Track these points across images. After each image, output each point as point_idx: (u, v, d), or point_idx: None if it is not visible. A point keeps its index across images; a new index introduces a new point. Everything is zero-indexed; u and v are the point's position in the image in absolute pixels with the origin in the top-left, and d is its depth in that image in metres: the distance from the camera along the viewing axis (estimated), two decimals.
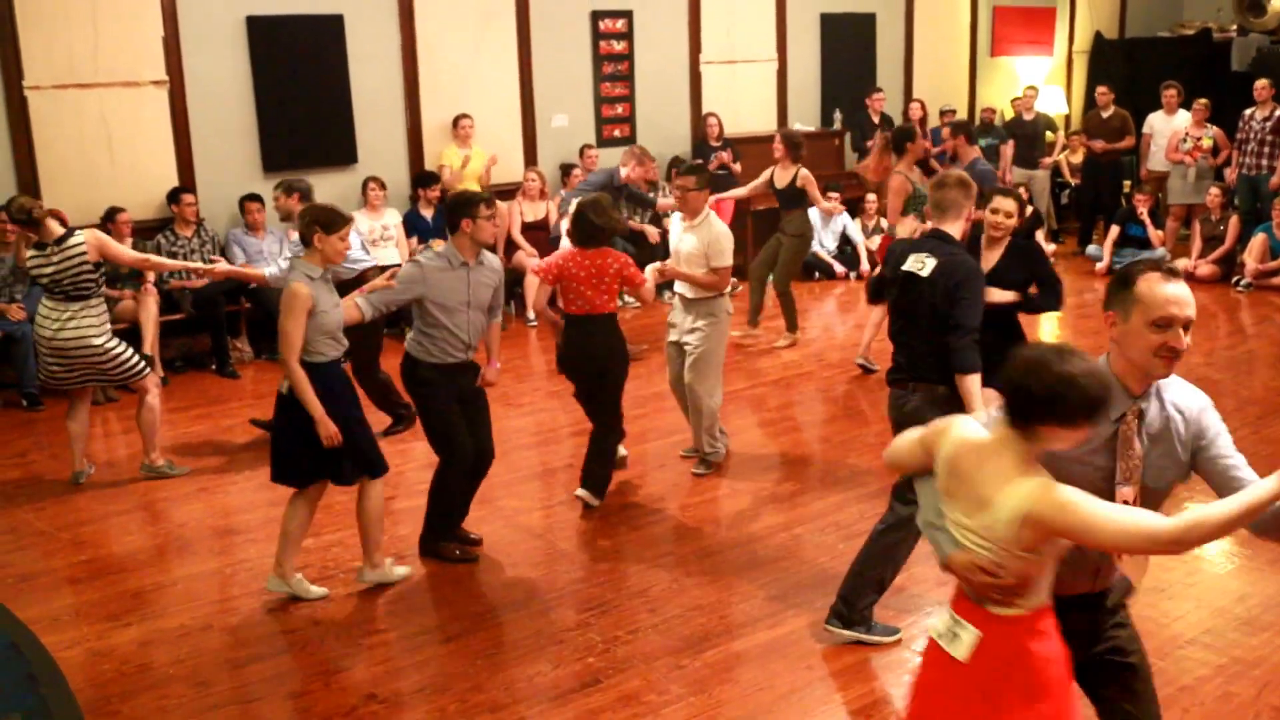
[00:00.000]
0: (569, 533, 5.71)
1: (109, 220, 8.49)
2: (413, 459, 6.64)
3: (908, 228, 7.70)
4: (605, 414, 5.96)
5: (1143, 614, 4.67)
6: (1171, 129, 11.96)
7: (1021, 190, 11.56)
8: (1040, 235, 11.87)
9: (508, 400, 7.77)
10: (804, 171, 8.85)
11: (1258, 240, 10.68)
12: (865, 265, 11.61)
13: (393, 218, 9.72)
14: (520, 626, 4.75)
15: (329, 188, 9.59)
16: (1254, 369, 8.32)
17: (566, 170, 10.64)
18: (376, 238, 9.57)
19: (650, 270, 6.18)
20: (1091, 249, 12.13)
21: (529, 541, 5.59)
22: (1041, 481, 2.53)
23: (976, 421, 2.78)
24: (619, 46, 11.34)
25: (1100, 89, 12.70)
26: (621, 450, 6.35)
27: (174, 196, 8.84)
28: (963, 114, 13.99)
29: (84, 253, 6.19)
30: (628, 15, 11.32)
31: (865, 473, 6.29)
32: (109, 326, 6.41)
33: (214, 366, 8.74)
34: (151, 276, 8.30)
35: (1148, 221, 11.51)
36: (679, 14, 11.72)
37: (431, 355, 5.20)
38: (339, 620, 4.84)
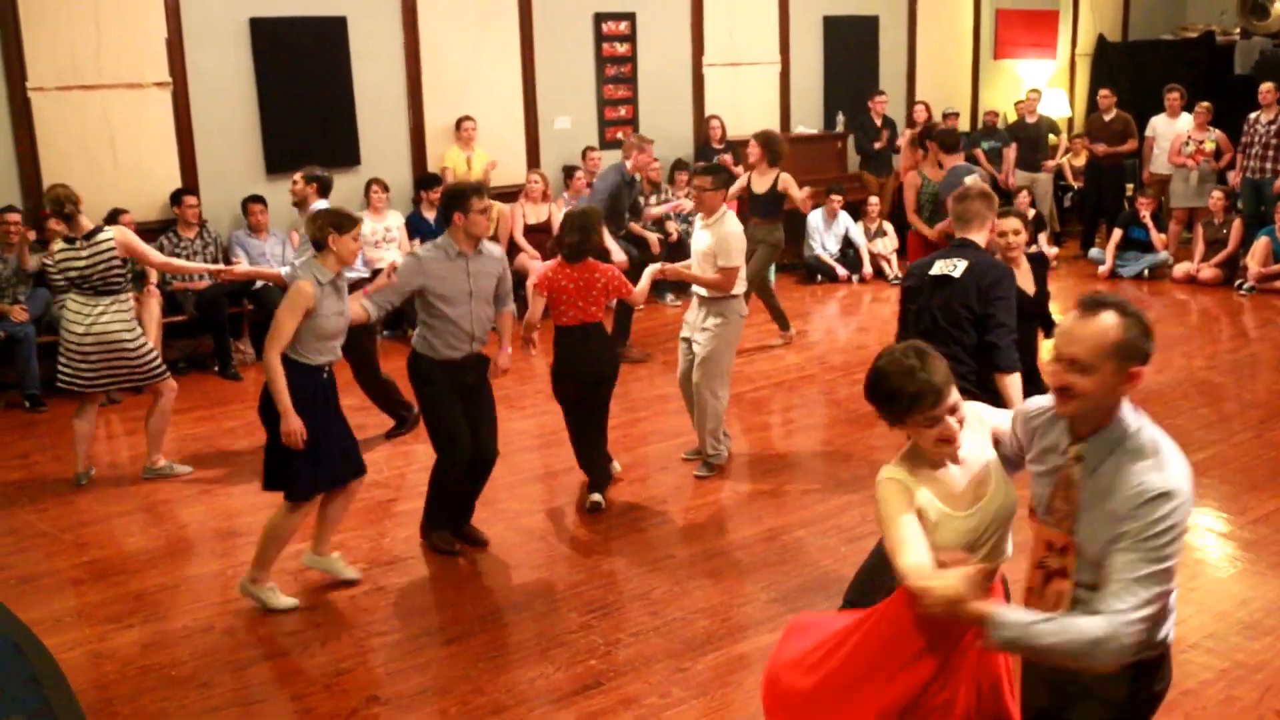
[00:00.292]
0: (571, 535, 5.71)
1: (111, 222, 8.48)
2: (415, 460, 6.64)
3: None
4: (596, 420, 6.03)
5: None
6: (1174, 132, 11.94)
7: (1024, 194, 11.59)
8: (1043, 239, 11.87)
9: (510, 403, 7.78)
10: (785, 175, 8.69)
11: (1261, 243, 10.67)
12: (868, 268, 11.61)
13: (395, 219, 9.73)
14: (522, 629, 4.75)
15: (332, 189, 9.59)
16: (1257, 372, 8.31)
17: (569, 172, 10.64)
18: (379, 239, 9.57)
19: (648, 272, 6.19)
20: (1094, 252, 12.12)
21: (531, 544, 5.59)
22: (887, 468, 2.85)
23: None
24: (621, 48, 11.35)
25: (1102, 92, 12.70)
26: (616, 466, 6.38)
27: (176, 198, 8.85)
28: (966, 117, 13.99)
29: (113, 248, 6.24)
30: (630, 17, 11.32)
31: (868, 476, 6.28)
32: (137, 324, 6.44)
33: (216, 368, 8.75)
34: (154, 277, 8.30)
35: (1150, 225, 11.50)
36: (681, 16, 11.72)
37: (436, 350, 5.22)
38: (341, 622, 4.85)
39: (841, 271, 11.56)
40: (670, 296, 10.61)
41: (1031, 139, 12.77)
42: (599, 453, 6.04)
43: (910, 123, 12.88)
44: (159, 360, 6.46)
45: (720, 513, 5.94)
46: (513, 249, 10.22)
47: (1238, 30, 14.50)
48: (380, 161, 9.92)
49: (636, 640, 4.61)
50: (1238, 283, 10.79)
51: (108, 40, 8.68)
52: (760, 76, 12.43)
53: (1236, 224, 11.07)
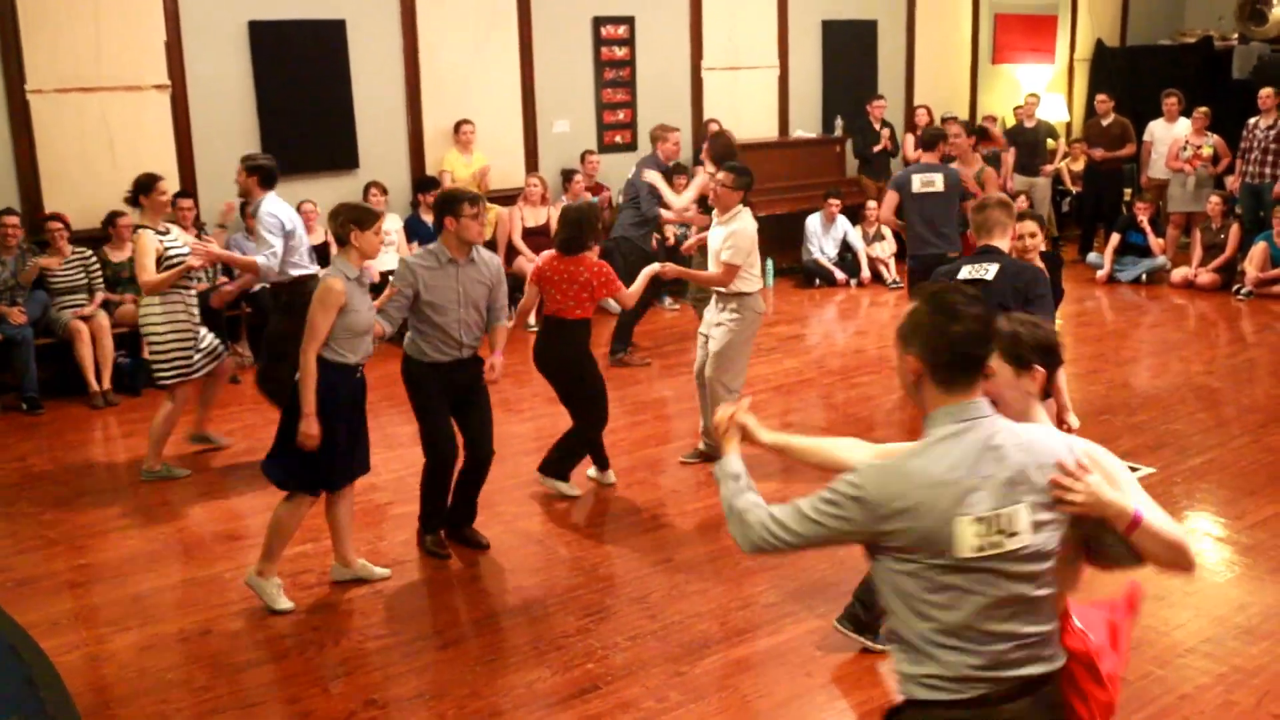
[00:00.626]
0: (568, 538, 5.71)
1: (110, 224, 8.50)
2: (413, 464, 6.61)
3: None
4: (579, 413, 6.10)
5: (1143, 623, 4.66)
6: (1172, 137, 11.96)
7: (1022, 198, 11.60)
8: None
9: (508, 406, 7.78)
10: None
11: (1258, 249, 10.68)
12: (865, 272, 11.62)
13: (394, 223, 9.73)
14: (519, 632, 4.75)
15: (330, 193, 9.57)
16: (1254, 377, 8.32)
17: (568, 175, 10.64)
18: None
19: (644, 273, 6.28)
20: (1092, 257, 12.12)
21: (528, 547, 5.59)
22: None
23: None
24: (620, 52, 11.36)
25: (1100, 97, 12.71)
26: (611, 477, 6.39)
27: (176, 200, 8.83)
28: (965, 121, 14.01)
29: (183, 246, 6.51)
30: (629, 21, 11.33)
31: None
32: (165, 324, 6.56)
33: None
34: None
35: (1148, 229, 11.52)
36: (681, 20, 11.73)
37: (424, 354, 5.24)
38: (338, 626, 4.84)
39: (840, 275, 11.57)
40: (669, 300, 10.61)
41: (1030, 144, 12.77)
42: (567, 445, 6.13)
43: (910, 127, 12.91)
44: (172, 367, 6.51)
45: (718, 516, 5.92)
46: (511, 252, 10.23)
47: (1235, 35, 14.52)
48: (379, 165, 9.92)
49: (634, 644, 4.61)
50: (1235, 288, 10.80)
51: (107, 43, 8.68)
52: (759, 80, 12.44)
53: (1234, 229, 11.08)
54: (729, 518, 2.61)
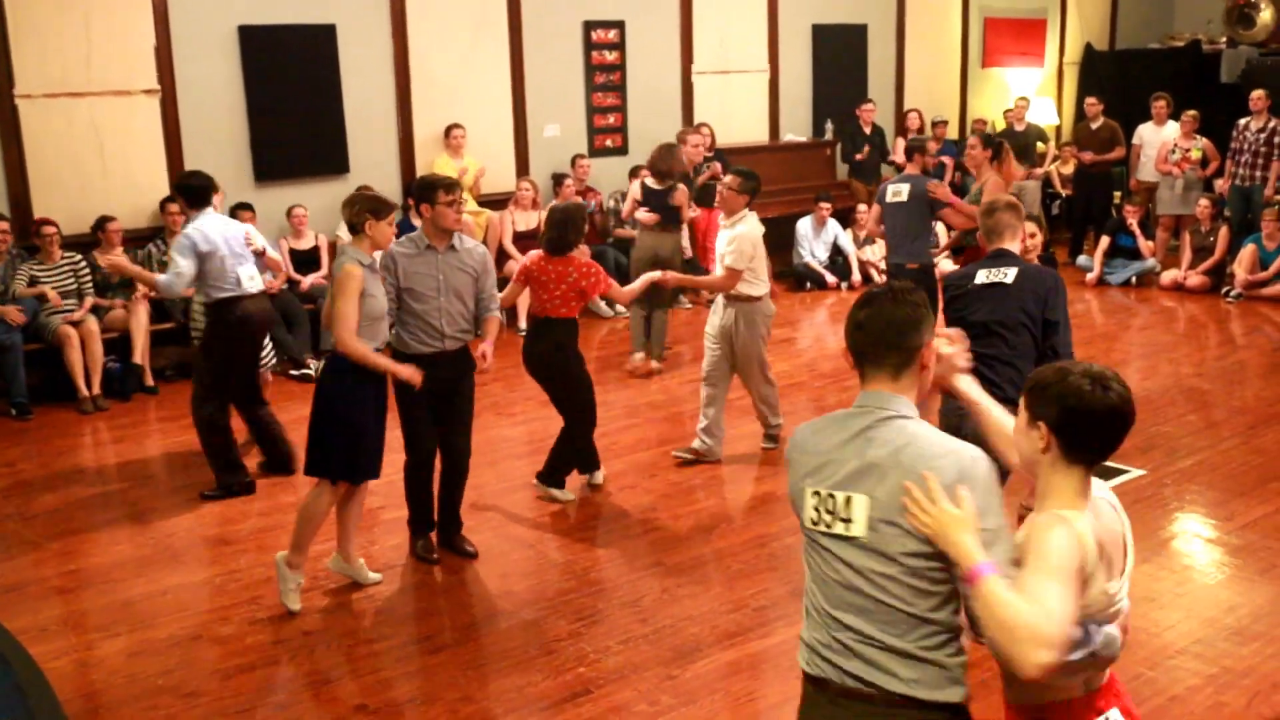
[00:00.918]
0: (560, 542, 5.70)
1: (100, 229, 8.47)
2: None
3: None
4: (567, 412, 6.11)
5: (1134, 624, 4.65)
6: (1160, 140, 12.00)
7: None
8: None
9: (499, 409, 7.77)
10: (680, 188, 8.80)
11: (1247, 251, 10.72)
12: (856, 276, 11.64)
13: None
14: (511, 636, 4.74)
15: (321, 197, 9.60)
16: (1244, 379, 8.34)
17: (558, 180, 10.65)
18: None
19: (645, 277, 6.36)
20: (1082, 259, 12.16)
21: (519, 551, 5.58)
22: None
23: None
24: (611, 57, 11.36)
25: (1089, 100, 12.75)
26: (599, 476, 6.39)
27: (164, 206, 8.82)
28: (955, 125, 14.05)
29: None
30: (620, 25, 11.34)
31: None
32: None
33: None
34: (142, 289, 8.28)
35: (1138, 232, 11.56)
36: (671, 24, 11.75)
37: (406, 346, 5.23)
38: (329, 630, 4.83)
39: (830, 279, 11.59)
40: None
41: (1020, 147, 12.77)
42: (560, 450, 6.12)
43: (901, 131, 12.93)
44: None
45: (709, 520, 5.93)
46: (502, 256, 10.23)
47: (1224, 39, 14.59)
48: (369, 169, 9.91)
49: (626, 647, 4.60)
50: (1225, 290, 10.84)
51: (96, 48, 8.66)
52: (749, 84, 12.45)
53: (1223, 231, 11.12)
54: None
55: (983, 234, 4.91)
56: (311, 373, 8.21)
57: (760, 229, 6.46)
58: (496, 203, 10.44)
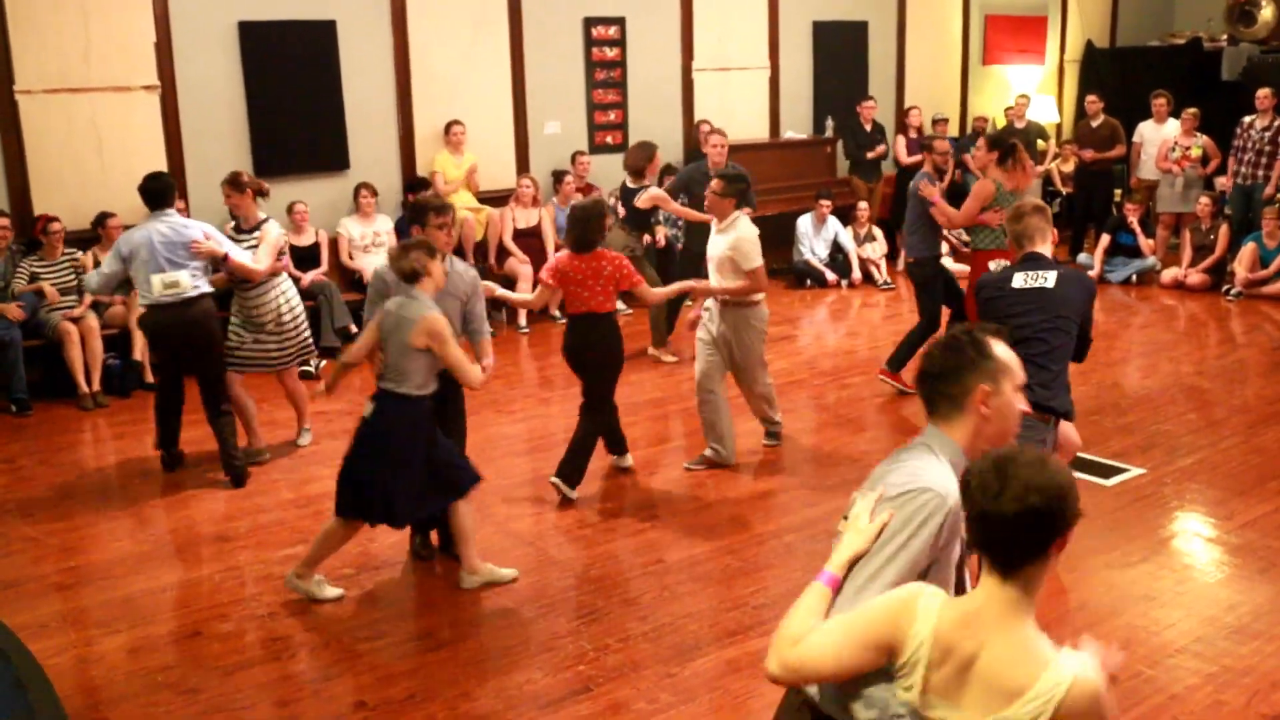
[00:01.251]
0: (560, 540, 5.70)
1: (99, 225, 8.48)
2: None
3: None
4: (594, 404, 6.13)
5: (1134, 623, 4.68)
6: (1161, 138, 11.98)
7: None
8: None
9: (499, 407, 7.77)
10: (654, 190, 8.80)
11: (1247, 249, 10.71)
12: (857, 273, 11.64)
13: (384, 224, 9.73)
14: (511, 634, 4.74)
15: (321, 193, 9.60)
16: (1244, 378, 8.34)
17: (559, 177, 10.64)
18: (368, 244, 9.58)
19: (676, 285, 6.58)
20: (1083, 257, 12.15)
21: (520, 548, 5.58)
22: (1080, 657, 2.10)
23: None
24: (611, 53, 11.35)
25: (1090, 98, 12.73)
26: (628, 460, 6.48)
27: None
28: (955, 122, 14.04)
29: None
30: (620, 22, 11.33)
31: (856, 481, 6.25)
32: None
33: None
34: None
35: (1138, 230, 11.55)
36: (671, 21, 11.74)
37: None
38: (329, 628, 4.83)
39: (830, 276, 11.58)
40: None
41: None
42: (580, 445, 6.10)
43: (901, 128, 12.92)
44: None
45: (709, 518, 5.93)
46: (502, 253, 10.23)
47: (1225, 37, 14.57)
48: (369, 165, 9.91)
49: (626, 645, 4.60)
50: (1225, 288, 10.83)
51: (96, 43, 8.65)
52: (750, 81, 12.45)
53: (1223, 229, 11.11)
54: None
55: (1011, 239, 4.90)
56: (313, 370, 8.18)
57: (754, 230, 6.39)
58: (497, 199, 10.43)
